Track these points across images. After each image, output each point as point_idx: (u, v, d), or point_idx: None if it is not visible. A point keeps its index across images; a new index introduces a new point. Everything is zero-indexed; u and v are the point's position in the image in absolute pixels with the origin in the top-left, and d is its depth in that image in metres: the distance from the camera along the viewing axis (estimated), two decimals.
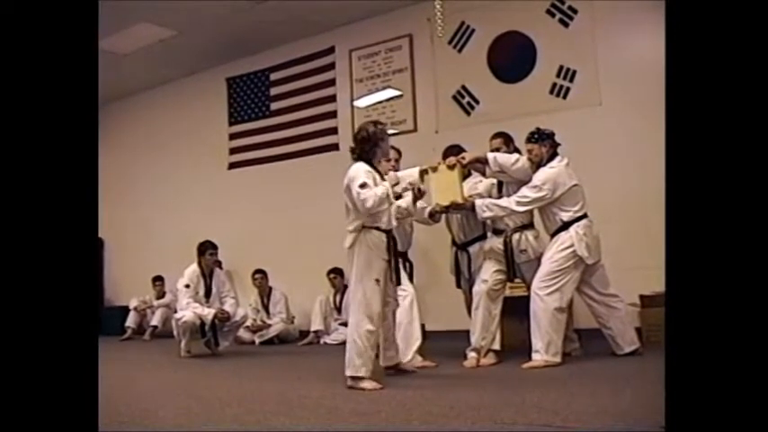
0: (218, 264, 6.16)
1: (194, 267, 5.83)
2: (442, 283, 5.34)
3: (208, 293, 5.81)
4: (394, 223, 3.72)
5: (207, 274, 5.85)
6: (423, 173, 4.13)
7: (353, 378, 3.50)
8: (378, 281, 3.59)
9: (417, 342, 4.27)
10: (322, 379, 3.93)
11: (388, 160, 4.21)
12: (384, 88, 7.00)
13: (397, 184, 3.77)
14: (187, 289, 5.70)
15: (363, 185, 3.53)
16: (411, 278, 4.65)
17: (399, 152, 4.63)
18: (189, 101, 8.58)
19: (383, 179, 3.73)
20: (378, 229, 3.64)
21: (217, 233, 7.86)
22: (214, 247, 5.90)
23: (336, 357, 4.76)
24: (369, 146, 3.72)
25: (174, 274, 6.36)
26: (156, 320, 7.94)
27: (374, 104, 7.07)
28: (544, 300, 4.08)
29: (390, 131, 4.06)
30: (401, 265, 5.10)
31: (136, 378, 4.62)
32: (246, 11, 6.64)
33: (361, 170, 3.63)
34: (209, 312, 5.60)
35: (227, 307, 5.74)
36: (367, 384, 3.45)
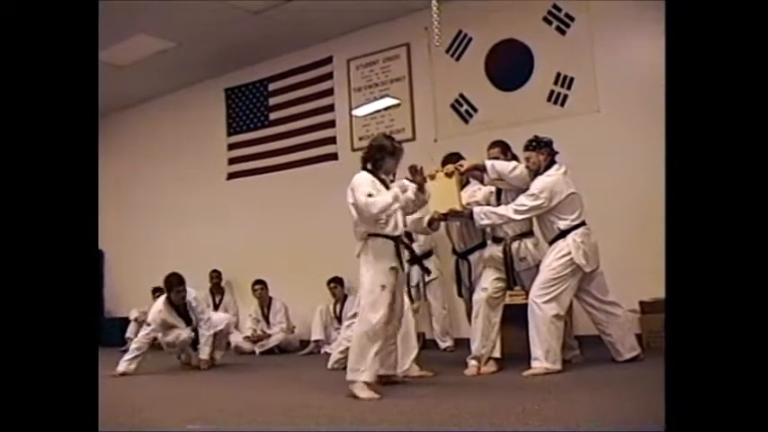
0: (184, 298, 5.65)
1: (160, 306, 5.55)
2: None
3: (188, 321, 5.60)
4: (401, 229, 3.74)
5: (179, 305, 5.56)
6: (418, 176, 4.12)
7: (352, 383, 3.50)
8: (383, 287, 3.59)
9: (414, 351, 4.27)
10: (323, 388, 3.92)
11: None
12: (382, 97, 7.01)
13: (405, 191, 3.78)
14: (148, 327, 5.48)
15: (369, 195, 3.58)
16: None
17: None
18: (187, 111, 8.59)
19: (388, 189, 3.74)
20: (384, 236, 3.66)
21: (216, 243, 7.88)
22: (181, 282, 5.54)
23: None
24: (379, 155, 3.78)
25: None
26: None
27: (372, 113, 7.08)
28: (542, 308, 4.07)
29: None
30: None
31: (136, 388, 4.62)
32: (245, 21, 6.66)
33: (365, 179, 3.69)
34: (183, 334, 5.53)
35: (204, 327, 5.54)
36: (363, 393, 3.44)
